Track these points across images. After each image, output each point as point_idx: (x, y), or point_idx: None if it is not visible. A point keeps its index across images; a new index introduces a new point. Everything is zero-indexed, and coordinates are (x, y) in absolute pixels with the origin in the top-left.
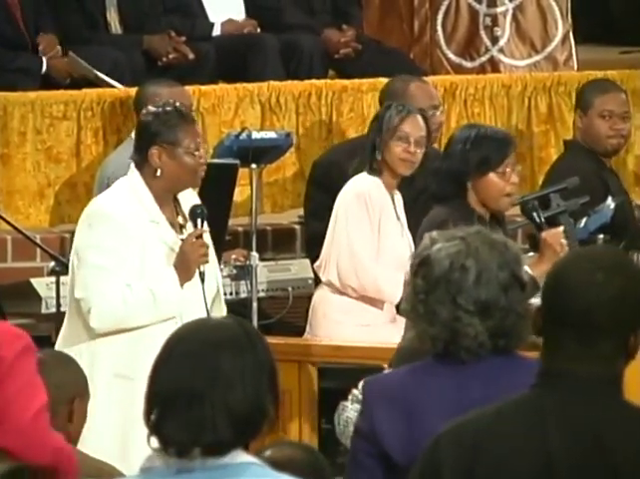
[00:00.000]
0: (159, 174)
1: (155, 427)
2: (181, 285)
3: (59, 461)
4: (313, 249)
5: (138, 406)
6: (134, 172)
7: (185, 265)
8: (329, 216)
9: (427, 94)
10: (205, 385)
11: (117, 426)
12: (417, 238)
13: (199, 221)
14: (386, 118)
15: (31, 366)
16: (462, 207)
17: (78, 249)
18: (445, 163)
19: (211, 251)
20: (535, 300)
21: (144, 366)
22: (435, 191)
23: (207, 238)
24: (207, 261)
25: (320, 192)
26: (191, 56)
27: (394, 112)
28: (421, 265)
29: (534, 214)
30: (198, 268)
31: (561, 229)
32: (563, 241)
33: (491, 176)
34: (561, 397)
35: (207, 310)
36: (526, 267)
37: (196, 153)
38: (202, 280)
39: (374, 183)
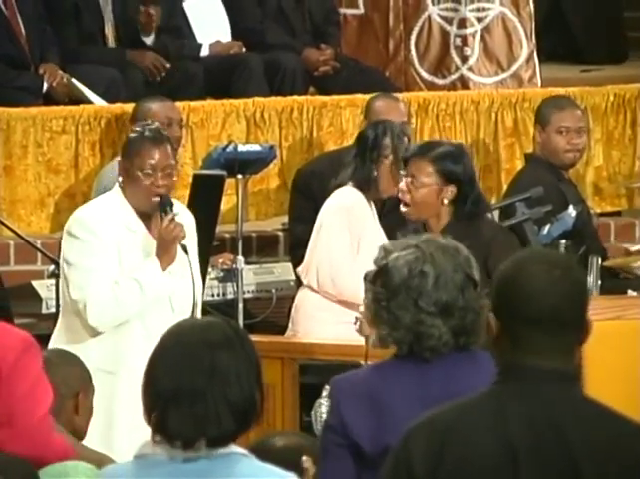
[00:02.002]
0: (120, 184)
1: (158, 424)
2: (165, 269)
3: (64, 458)
4: (297, 251)
5: (118, 399)
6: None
7: (165, 248)
8: (311, 220)
9: (397, 112)
10: (205, 382)
11: (99, 416)
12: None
13: (169, 207)
14: (365, 138)
15: (36, 368)
16: None
17: (64, 255)
18: None
19: (195, 256)
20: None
21: (124, 362)
22: None
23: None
24: (184, 237)
25: (302, 198)
26: (168, 65)
27: (370, 131)
28: (378, 275)
29: None
30: (181, 246)
31: None
32: None
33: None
34: (524, 392)
35: (194, 286)
36: None
37: (146, 171)
38: (186, 252)
39: (357, 196)
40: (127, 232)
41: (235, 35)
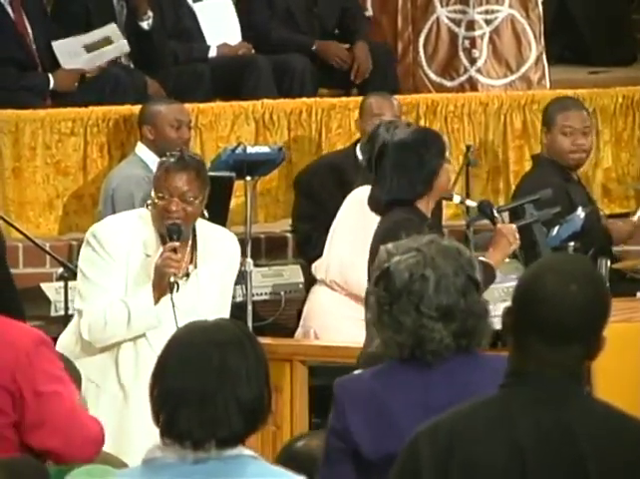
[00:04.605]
0: (148, 207)
1: (167, 424)
2: (157, 299)
3: (98, 449)
4: (303, 249)
5: (100, 410)
6: None
7: (156, 279)
8: (314, 218)
9: (389, 109)
10: (214, 382)
11: None
12: None
13: (175, 237)
14: (376, 137)
15: (53, 364)
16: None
17: (79, 263)
18: None
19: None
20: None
21: (111, 378)
22: None
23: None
24: (175, 273)
25: (305, 198)
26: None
27: (383, 129)
28: (381, 278)
29: (488, 209)
30: (169, 283)
31: (514, 226)
32: (517, 235)
33: None
34: (532, 397)
35: (177, 323)
36: (482, 258)
37: (161, 195)
38: (171, 291)
39: None
40: (142, 255)
41: (243, 35)
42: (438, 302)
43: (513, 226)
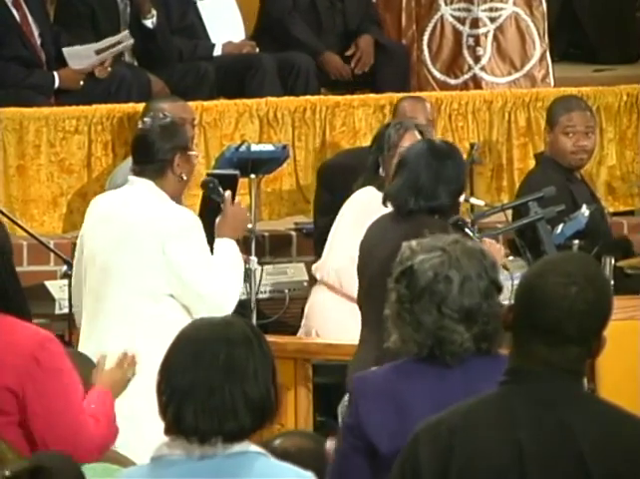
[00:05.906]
0: (185, 178)
1: (175, 418)
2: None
3: (102, 450)
4: (322, 245)
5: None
6: (147, 183)
7: (235, 227)
8: (334, 213)
9: (422, 113)
10: (221, 377)
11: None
12: None
13: (220, 190)
14: (386, 137)
15: (58, 364)
16: None
17: (192, 256)
18: None
19: None
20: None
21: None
22: None
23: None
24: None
25: (325, 192)
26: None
27: (392, 130)
28: (403, 275)
29: (462, 227)
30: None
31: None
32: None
33: None
34: (532, 396)
35: None
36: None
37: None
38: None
39: (377, 194)
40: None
41: (261, 25)
42: (460, 304)
43: (497, 244)
